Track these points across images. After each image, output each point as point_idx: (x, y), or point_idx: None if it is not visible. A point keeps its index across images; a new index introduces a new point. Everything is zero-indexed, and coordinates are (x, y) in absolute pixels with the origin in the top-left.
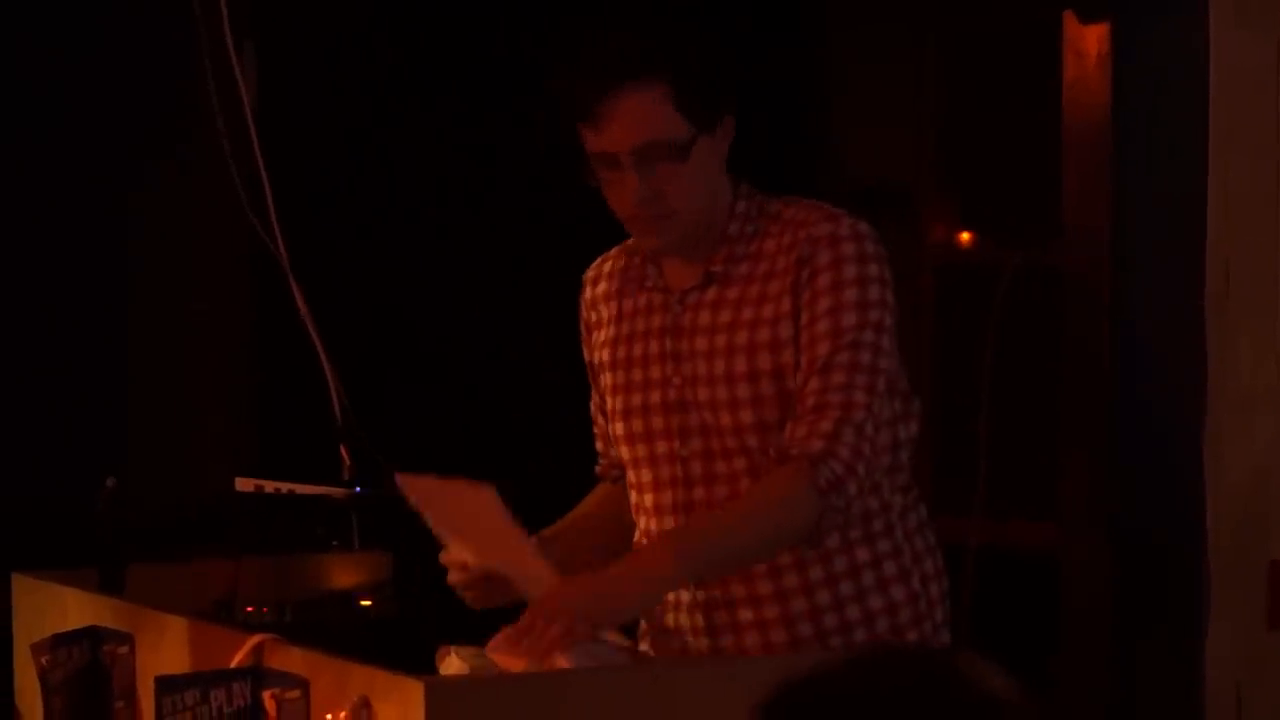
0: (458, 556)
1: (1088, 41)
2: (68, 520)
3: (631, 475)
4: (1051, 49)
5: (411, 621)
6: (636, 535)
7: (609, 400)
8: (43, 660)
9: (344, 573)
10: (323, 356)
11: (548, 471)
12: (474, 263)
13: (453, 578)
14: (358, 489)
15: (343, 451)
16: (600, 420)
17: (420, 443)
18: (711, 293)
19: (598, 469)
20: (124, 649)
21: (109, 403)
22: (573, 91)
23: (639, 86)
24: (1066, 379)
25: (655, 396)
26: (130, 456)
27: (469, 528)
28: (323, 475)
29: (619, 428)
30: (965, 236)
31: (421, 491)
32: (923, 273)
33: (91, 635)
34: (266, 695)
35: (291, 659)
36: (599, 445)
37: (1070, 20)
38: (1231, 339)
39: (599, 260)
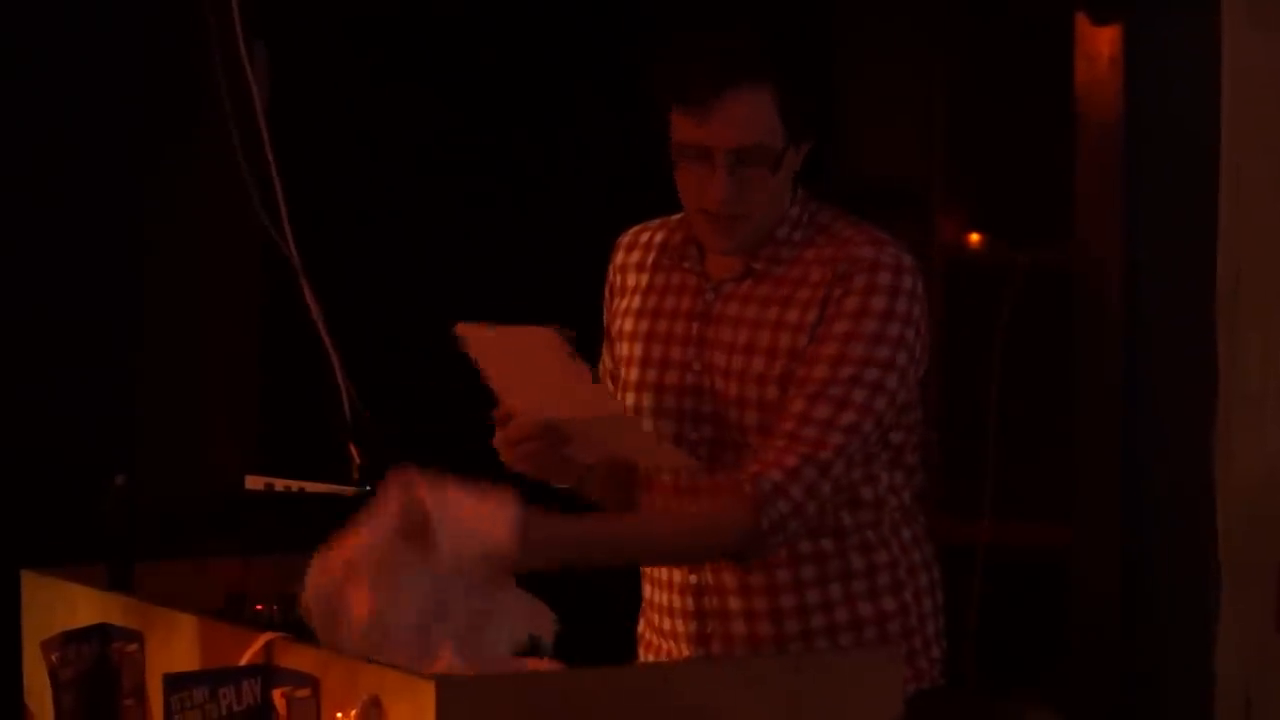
0: (516, 409)
1: (1100, 43)
2: (77, 517)
3: None
4: (1064, 50)
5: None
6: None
7: (624, 370)
8: (52, 658)
9: None
10: (333, 355)
11: None
12: (486, 262)
13: (508, 434)
14: (368, 487)
15: (353, 450)
16: (608, 385)
17: (431, 441)
18: (746, 286)
19: None
20: (133, 647)
21: (119, 400)
22: (686, 76)
23: (753, 87)
24: (1076, 380)
25: (673, 377)
26: (140, 454)
27: (532, 376)
28: (333, 474)
29: (630, 399)
30: (975, 237)
31: (482, 342)
32: (932, 273)
33: (101, 633)
34: (277, 693)
35: (301, 657)
36: None
37: (1082, 22)
38: (1242, 340)
39: (638, 228)
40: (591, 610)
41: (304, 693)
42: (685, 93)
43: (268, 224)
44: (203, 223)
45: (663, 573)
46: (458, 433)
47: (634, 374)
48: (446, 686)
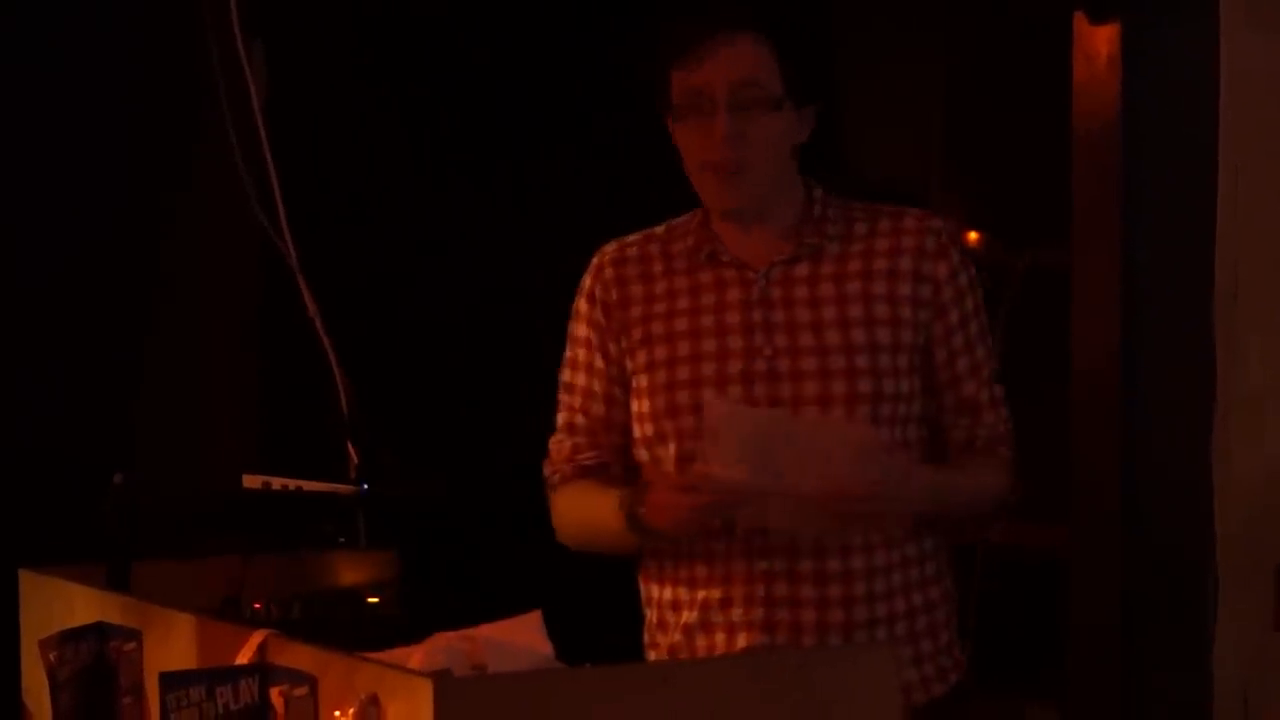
0: (726, 480)
1: (1098, 42)
2: (75, 516)
3: (677, 448)
4: (1061, 50)
5: (419, 619)
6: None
7: (653, 375)
8: (50, 656)
9: (351, 570)
10: (330, 354)
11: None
12: (483, 261)
13: (696, 499)
14: (365, 486)
15: (350, 449)
16: (595, 409)
17: (428, 440)
18: (803, 268)
19: (582, 462)
20: (131, 645)
21: (117, 398)
22: (681, 31)
23: (744, 36)
24: (1075, 380)
25: (735, 366)
26: (138, 452)
27: (799, 458)
28: (330, 472)
29: (682, 397)
30: (973, 237)
31: (743, 420)
32: None
33: (99, 631)
34: (274, 692)
35: (299, 656)
36: (582, 439)
37: (1080, 21)
38: (1241, 341)
39: (618, 244)
40: (594, 614)
41: (301, 691)
42: (681, 46)
43: (265, 223)
44: (201, 221)
45: (716, 569)
46: (454, 431)
47: (683, 372)
48: (444, 685)
